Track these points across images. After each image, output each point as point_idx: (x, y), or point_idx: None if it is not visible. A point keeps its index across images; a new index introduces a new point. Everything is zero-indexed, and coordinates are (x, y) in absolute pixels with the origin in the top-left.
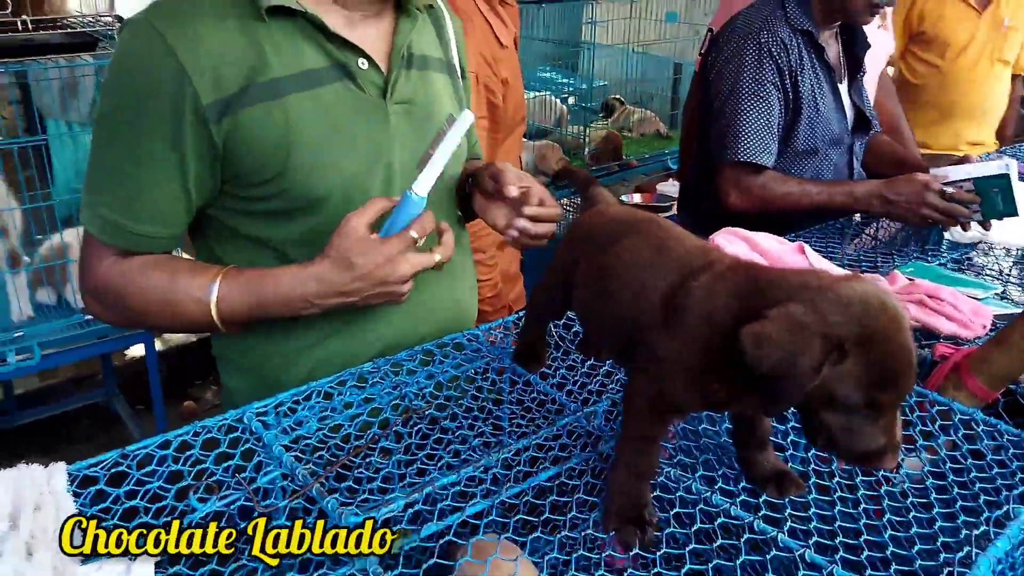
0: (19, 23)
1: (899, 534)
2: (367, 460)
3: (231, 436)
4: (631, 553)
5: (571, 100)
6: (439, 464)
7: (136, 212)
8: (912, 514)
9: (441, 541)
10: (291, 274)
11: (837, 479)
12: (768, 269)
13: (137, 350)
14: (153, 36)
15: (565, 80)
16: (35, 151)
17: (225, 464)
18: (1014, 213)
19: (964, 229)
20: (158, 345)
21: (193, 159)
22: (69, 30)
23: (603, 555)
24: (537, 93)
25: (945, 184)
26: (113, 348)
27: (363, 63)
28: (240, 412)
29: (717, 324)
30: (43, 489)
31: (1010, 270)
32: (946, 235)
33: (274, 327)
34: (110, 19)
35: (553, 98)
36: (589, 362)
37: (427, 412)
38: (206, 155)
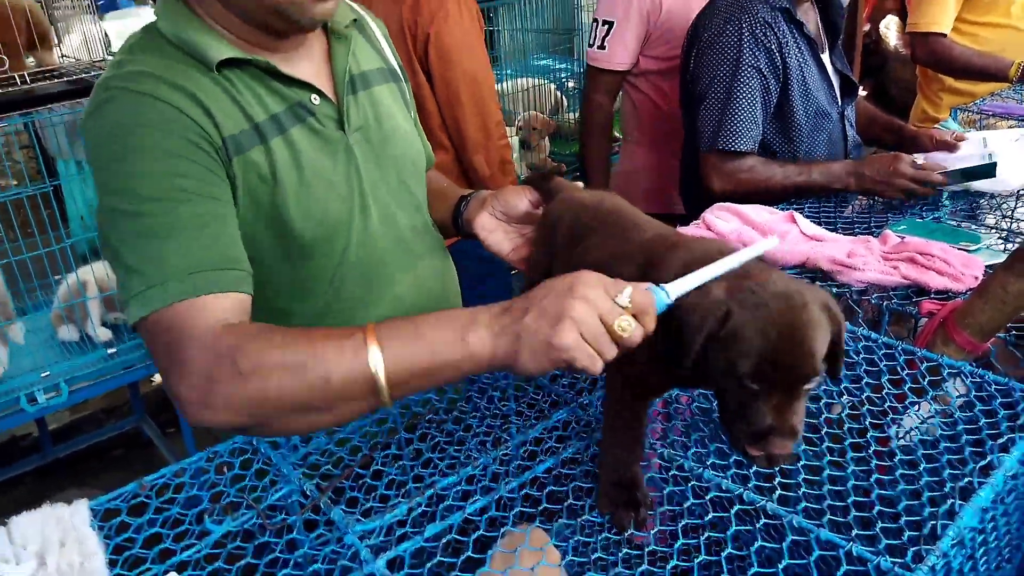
0: (17, 78)
1: (886, 492)
2: (370, 470)
3: (242, 459)
4: (654, 531)
5: (571, 84)
6: (439, 468)
7: (218, 252)
8: (899, 471)
9: (444, 539)
10: (450, 310)
11: (848, 441)
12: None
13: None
14: (143, 99)
15: (561, 66)
16: (52, 194)
17: (239, 486)
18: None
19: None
20: None
21: (228, 194)
22: (66, 78)
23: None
24: (532, 82)
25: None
26: (138, 377)
27: (315, 98)
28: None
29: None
30: (67, 526)
31: (1011, 212)
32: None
33: None
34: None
35: (549, 85)
36: None
37: (428, 417)
38: (231, 195)
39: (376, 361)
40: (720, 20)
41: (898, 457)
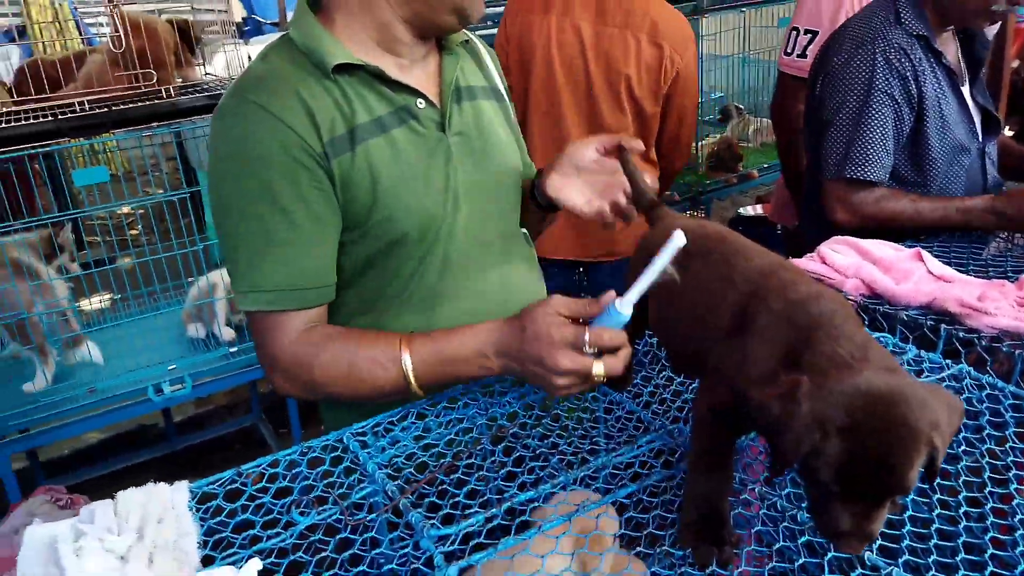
0: (164, 91)
1: (1001, 553)
2: (452, 477)
3: (333, 455)
4: (739, 570)
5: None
6: (519, 482)
7: (305, 271)
8: (1019, 532)
9: (517, 555)
10: (472, 330)
11: (963, 494)
12: (824, 326)
13: None
14: (259, 112)
15: None
16: (192, 201)
17: (327, 481)
18: None
19: None
20: None
21: (328, 206)
22: (209, 93)
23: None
24: None
25: None
26: (257, 376)
27: (421, 103)
28: (341, 433)
29: (765, 355)
30: (167, 505)
31: None
32: None
33: None
34: None
35: None
36: (677, 381)
37: (511, 431)
38: (333, 200)
39: (413, 383)
40: (851, 45)
41: (1019, 517)
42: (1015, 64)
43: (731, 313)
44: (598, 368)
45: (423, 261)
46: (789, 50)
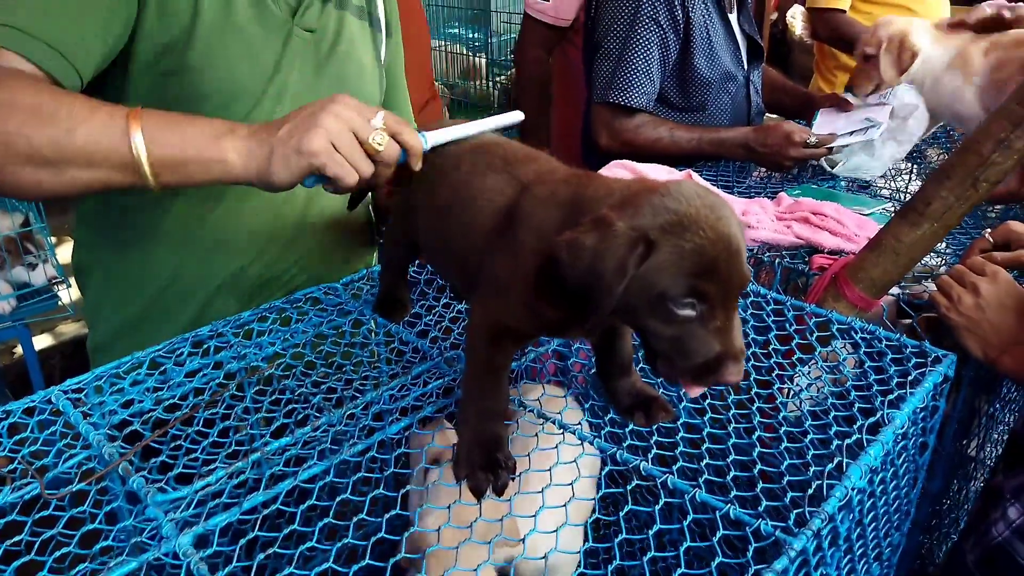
0: None
1: (769, 451)
2: (190, 431)
3: (40, 419)
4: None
5: (481, 60)
6: (273, 427)
7: (61, 32)
8: (783, 429)
9: (266, 512)
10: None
11: (732, 397)
12: (599, 180)
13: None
14: None
15: (472, 36)
16: None
17: (32, 450)
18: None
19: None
20: (47, 340)
21: (120, 6)
22: None
23: None
24: (442, 43)
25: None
26: None
27: None
28: (48, 392)
29: (545, 238)
30: None
31: (906, 186)
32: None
33: (133, 237)
34: None
35: (462, 48)
36: (457, 308)
37: (267, 373)
38: (132, 7)
39: (137, 139)
40: None
41: (782, 414)
42: (774, 17)
43: (500, 211)
44: (379, 137)
45: None
46: None
